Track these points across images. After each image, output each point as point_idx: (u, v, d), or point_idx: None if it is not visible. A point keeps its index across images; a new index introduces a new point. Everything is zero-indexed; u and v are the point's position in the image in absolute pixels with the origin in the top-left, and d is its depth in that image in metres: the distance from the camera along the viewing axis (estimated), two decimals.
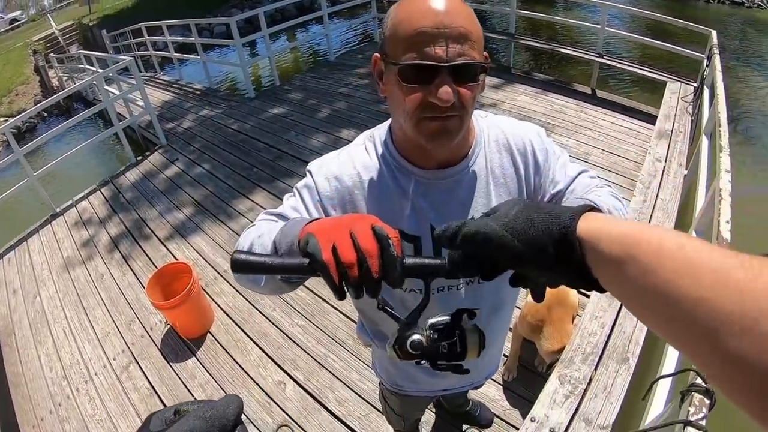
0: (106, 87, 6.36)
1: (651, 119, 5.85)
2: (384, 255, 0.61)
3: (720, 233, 2.16)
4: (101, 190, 5.82)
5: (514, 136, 1.10)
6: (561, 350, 2.51)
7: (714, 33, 6.10)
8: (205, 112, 7.69)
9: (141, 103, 6.64)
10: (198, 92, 8.94)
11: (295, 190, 1.08)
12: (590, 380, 2.33)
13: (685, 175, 4.31)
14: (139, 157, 6.43)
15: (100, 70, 6.72)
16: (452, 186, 1.05)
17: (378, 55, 0.95)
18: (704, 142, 4.04)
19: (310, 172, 1.06)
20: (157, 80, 10.33)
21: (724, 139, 3.16)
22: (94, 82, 6.14)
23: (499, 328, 1.34)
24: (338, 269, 0.61)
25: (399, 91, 0.88)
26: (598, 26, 7.46)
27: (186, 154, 6.27)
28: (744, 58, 14.02)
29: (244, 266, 0.64)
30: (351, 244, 0.61)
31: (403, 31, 0.85)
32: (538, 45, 8.30)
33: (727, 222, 2.24)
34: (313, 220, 0.72)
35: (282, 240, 0.77)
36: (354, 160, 1.06)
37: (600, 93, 7.13)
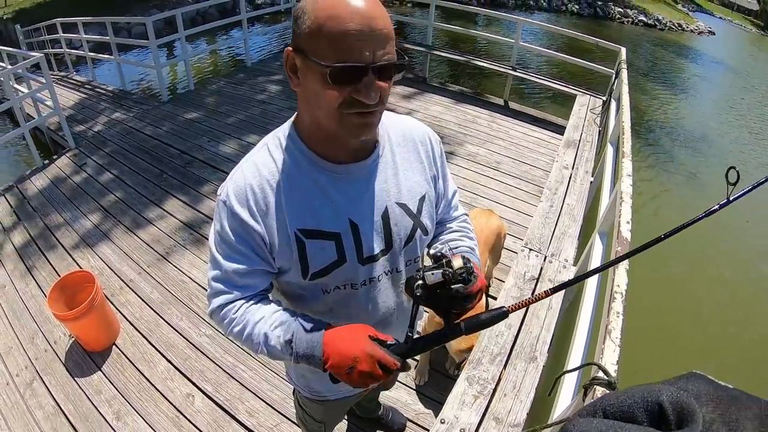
0: (15, 85, 5.96)
1: (560, 130, 6.16)
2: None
3: (620, 233, 2.28)
4: (5, 195, 5.42)
5: (416, 130, 1.22)
6: (470, 349, 2.58)
7: (623, 50, 6.48)
8: (118, 116, 7.35)
9: (50, 103, 6.26)
10: (111, 94, 8.53)
11: (217, 237, 1.07)
12: (499, 380, 2.39)
13: (591, 181, 4.54)
14: (47, 161, 6.06)
15: (9, 66, 6.29)
16: (365, 177, 1.10)
17: (291, 49, 0.96)
18: (609, 150, 4.27)
19: (225, 203, 1.05)
20: (70, 80, 9.77)
21: (627, 146, 3.35)
22: (1, 79, 5.72)
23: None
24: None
25: (321, 88, 0.91)
26: (513, 41, 7.76)
27: (96, 159, 5.97)
28: (652, 75, 15.17)
29: None
30: (377, 369, 0.94)
31: (329, 31, 0.87)
32: (454, 57, 8.52)
33: (628, 222, 2.36)
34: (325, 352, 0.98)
35: (299, 346, 1.00)
36: (258, 167, 1.06)
37: (512, 105, 7.46)
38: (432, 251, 1.25)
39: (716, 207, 0.94)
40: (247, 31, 9.06)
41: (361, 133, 0.97)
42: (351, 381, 0.95)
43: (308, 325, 1.00)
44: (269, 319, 1.02)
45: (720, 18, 36.07)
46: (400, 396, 2.90)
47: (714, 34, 28.57)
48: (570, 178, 4.49)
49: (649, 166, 8.54)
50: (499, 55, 11.46)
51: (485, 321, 0.97)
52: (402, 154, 1.17)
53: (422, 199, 1.18)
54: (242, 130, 6.42)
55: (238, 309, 1.05)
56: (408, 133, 1.20)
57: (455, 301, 0.95)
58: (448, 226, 1.32)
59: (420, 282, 0.93)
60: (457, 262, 0.93)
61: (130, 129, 6.74)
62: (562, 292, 2.98)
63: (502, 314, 0.97)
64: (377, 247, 1.12)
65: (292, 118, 1.11)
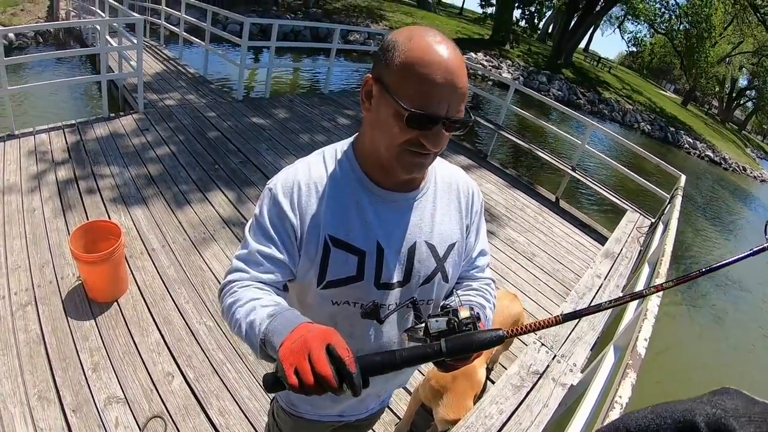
0: (107, 36, 6.27)
1: (602, 240, 6.13)
2: (341, 373, 0.77)
3: (636, 347, 2.23)
4: (65, 130, 5.65)
5: (462, 181, 1.26)
6: (455, 422, 2.52)
7: (683, 177, 6.50)
8: (191, 98, 7.64)
9: (134, 63, 6.56)
10: (191, 77, 8.90)
11: (254, 220, 1.11)
12: None
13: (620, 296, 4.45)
14: (112, 115, 6.31)
15: (108, 18, 6.64)
16: (403, 209, 1.13)
17: (372, 77, 1.01)
18: (645, 269, 4.22)
19: (271, 190, 1.11)
20: (158, 51, 10.24)
21: (664, 268, 3.33)
22: (98, 27, 6.04)
23: None
24: (303, 388, 0.76)
25: (393, 122, 0.96)
26: (579, 142, 7.83)
27: (158, 129, 6.18)
28: (704, 210, 14.97)
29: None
30: (308, 369, 0.76)
31: (417, 75, 0.91)
32: (519, 142, 8.62)
33: (646, 339, 2.32)
34: (286, 336, 0.84)
35: (268, 344, 0.88)
36: (311, 168, 1.13)
37: (563, 203, 7.46)
38: (443, 301, 1.24)
39: None
40: (334, 60, 9.34)
41: (413, 170, 1.04)
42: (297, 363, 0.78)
43: (293, 314, 0.94)
44: (267, 300, 0.99)
45: None
46: None
47: None
48: (600, 287, 4.44)
49: (678, 304, 8.33)
50: (562, 152, 11.55)
51: (477, 342, 0.88)
52: (443, 199, 1.20)
53: (451, 246, 1.20)
54: (301, 149, 6.57)
55: (244, 286, 1.04)
56: (454, 182, 1.24)
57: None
58: (468, 283, 1.31)
59: (422, 326, 0.94)
60: (464, 313, 0.92)
61: (198, 113, 6.99)
62: (560, 395, 2.92)
63: (498, 338, 0.90)
64: (396, 276, 1.14)
65: (352, 138, 1.16)
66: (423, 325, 0.94)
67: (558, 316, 0.89)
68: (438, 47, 0.92)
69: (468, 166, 7.67)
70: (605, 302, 0.89)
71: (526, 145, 8.49)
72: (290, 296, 1.23)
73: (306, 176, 1.10)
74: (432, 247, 1.17)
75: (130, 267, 3.73)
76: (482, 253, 1.33)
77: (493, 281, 1.36)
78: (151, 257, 3.92)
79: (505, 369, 3.17)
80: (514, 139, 8.68)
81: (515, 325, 3.10)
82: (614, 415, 1.71)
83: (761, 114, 55.08)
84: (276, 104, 8.19)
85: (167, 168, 5.32)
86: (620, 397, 1.82)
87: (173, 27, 10.48)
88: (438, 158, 1.18)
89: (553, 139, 13.65)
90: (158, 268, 3.81)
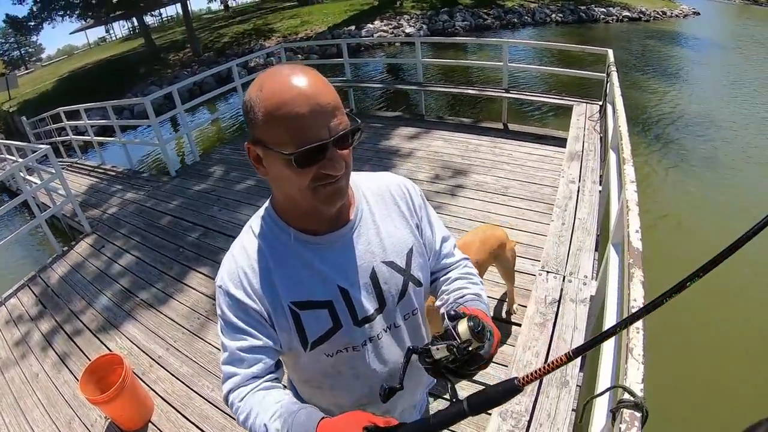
0: (27, 177, 6.14)
1: (563, 143, 6.12)
2: None
3: (630, 243, 2.22)
4: (29, 285, 5.55)
5: (393, 185, 1.25)
6: None
7: (610, 52, 6.50)
8: (130, 196, 7.52)
9: (63, 191, 6.45)
10: (121, 175, 8.75)
11: (221, 322, 1.11)
12: (533, 410, 2.35)
13: (600, 191, 4.49)
14: (65, 248, 6.20)
15: (20, 160, 6.51)
16: (347, 244, 1.13)
17: (250, 142, 1.00)
18: (612, 157, 4.22)
19: (222, 288, 1.10)
20: (80, 165, 10.05)
21: (627, 151, 3.28)
22: (13, 173, 5.94)
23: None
24: None
25: (290, 172, 0.95)
26: (501, 64, 7.85)
27: (112, 241, 6.09)
28: (646, 69, 15.13)
29: None
30: None
31: (281, 119, 0.90)
32: (446, 90, 8.62)
33: (637, 231, 2.30)
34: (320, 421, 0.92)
35: None
36: (246, 249, 1.12)
37: (512, 126, 7.49)
38: (442, 309, 1.23)
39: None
40: (243, 96, 9.18)
41: (334, 200, 1.02)
42: None
43: (305, 415, 0.96)
44: (270, 409, 1.01)
45: None
46: None
47: (699, 14, 28.76)
48: (578, 191, 4.46)
49: (661, 162, 8.31)
50: (492, 80, 11.54)
51: (494, 397, 0.88)
52: (381, 212, 1.20)
53: (410, 253, 1.21)
54: (252, 195, 6.55)
55: (244, 397, 1.06)
56: (385, 189, 1.23)
57: (468, 365, 0.95)
58: (448, 275, 1.31)
59: (427, 357, 0.95)
60: (462, 328, 0.93)
61: (143, 207, 6.89)
62: (585, 312, 2.95)
63: (513, 389, 0.87)
64: (370, 307, 1.15)
65: (269, 201, 1.15)
66: (429, 356, 0.94)
67: (568, 353, 0.82)
68: (287, 81, 0.91)
69: (410, 134, 7.66)
70: (615, 326, 0.83)
71: (455, 90, 8.49)
72: (287, 365, 1.24)
73: (245, 259, 1.10)
74: (391, 264, 1.17)
75: (146, 383, 3.68)
76: (444, 239, 1.34)
77: (467, 259, 1.37)
78: (161, 365, 3.88)
79: (525, 308, 3.20)
80: (441, 88, 8.68)
81: (502, 248, 3.23)
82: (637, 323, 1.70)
83: None
84: (209, 163, 8.12)
85: (137, 274, 5.25)
86: (635, 300, 1.82)
87: (84, 137, 10.28)
88: (360, 174, 1.21)
89: (478, 72, 13.63)
90: (172, 372, 3.78)
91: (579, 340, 2.71)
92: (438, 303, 1.27)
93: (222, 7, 41.09)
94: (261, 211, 1.17)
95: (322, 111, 0.91)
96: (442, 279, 1.31)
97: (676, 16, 27.97)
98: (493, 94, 8.00)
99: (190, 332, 4.16)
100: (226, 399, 1.09)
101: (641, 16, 26.70)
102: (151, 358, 3.99)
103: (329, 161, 0.94)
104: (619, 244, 2.93)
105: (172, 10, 42.67)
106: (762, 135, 9.50)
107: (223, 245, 5.39)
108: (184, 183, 7.44)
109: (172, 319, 4.39)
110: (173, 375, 3.75)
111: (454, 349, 0.91)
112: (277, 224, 1.11)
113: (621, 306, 2.36)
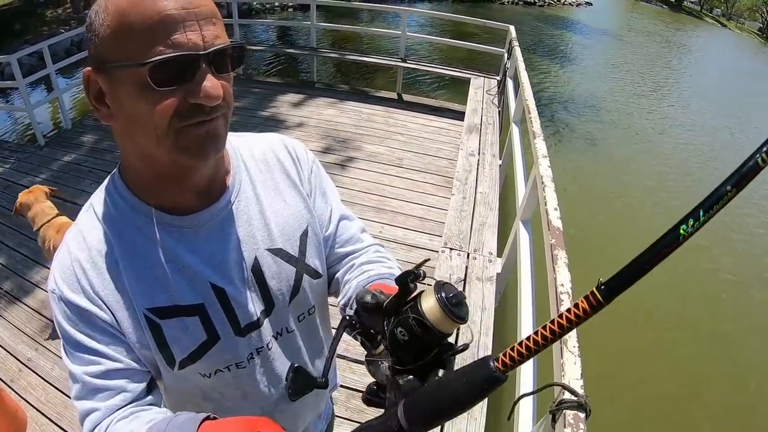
0: None
1: (460, 116, 6.02)
2: None
3: (550, 221, 2.02)
4: None
5: (278, 147, 0.93)
6: None
7: (512, 28, 6.56)
8: None
9: None
10: None
11: (63, 342, 0.77)
12: None
13: (500, 165, 4.39)
14: None
15: None
16: (221, 225, 0.80)
17: (91, 69, 0.67)
18: (515, 130, 4.11)
19: (55, 294, 0.77)
20: None
21: (536, 125, 3.09)
22: None
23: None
24: None
25: (144, 103, 0.63)
26: (399, 32, 7.65)
27: None
28: (539, 50, 16.07)
29: None
30: None
31: (137, 20, 0.61)
32: (341, 56, 8.29)
33: (556, 209, 2.12)
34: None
35: None
36: (85, 236, 0.79)
37: (406, 97, 7.32)
38: (358, 294, 0.74)
39: None
40: None
41: (207, 148, 0.68)
42: None
43: (185, 416, 0.69)
44: (142, 429, 0.70)
45: None
46: None
47: (591, 4, 31.13)
48: (478, 164, 4.31)
49: (556, 144, 8.66)
50: (388, 50, 11.36)
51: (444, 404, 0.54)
52: (266, 182, 0.88)
53: (304, 234, 0.89)
54: None
55: (106, 430, 0.73)
56: (269, 153, 0.91)
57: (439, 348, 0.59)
58: (351, 262, 0.97)
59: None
60: (429, 303, 0.56)
61: (7, 182, 5.91)
62: (492, 290, 2.77)
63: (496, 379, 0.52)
64: (256, 310, 0.84)
65: (117, 168, 0.81)
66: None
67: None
68: None
69: (299, 100, 7.15)
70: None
71: (350, 57, 8.16)
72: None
73: (83, 251, 0.77)
74: (278, 252, 0.86)
75: (16, 392, 3.04)
76: (344, 219, 0.99)
77: (381, 246, 1.03)
78: (31, 369, 3.20)
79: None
80: (335, 54, 8.34)
81: None
82: (565, 307, 1.50)
83: None
84: (81, 131, 7.13)
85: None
86: (562, 285, 1.60)
87: None
88: (238, 135, 0.90)
89: (374, 40, 13.42)
90: (44, 376, 3.13)
91: (487, 320, 2.51)
92: (341, 301, 0.93)
93: None
94: (106, 183, 0.82)
95: (195, 12, 0.62)
96: (343, 270, 0.97)
97: (570, 4, 29.81)
98: (390, 62, 7.78)
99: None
100: None
101: (536, 1, 27.92)
102: (19, 361, 3.30)
103: (198, 85, 0.63)
104: (529, 221, 2.77)
105: None
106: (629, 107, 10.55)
107: None
108: (54, 153, 6.48)
109: (38, 312, 3.69)
110: (46, 380, 3.11)
111: (443, 299, 0.55)
112: (127, 200, 0.77)
113: (535, 288, 2.19)
